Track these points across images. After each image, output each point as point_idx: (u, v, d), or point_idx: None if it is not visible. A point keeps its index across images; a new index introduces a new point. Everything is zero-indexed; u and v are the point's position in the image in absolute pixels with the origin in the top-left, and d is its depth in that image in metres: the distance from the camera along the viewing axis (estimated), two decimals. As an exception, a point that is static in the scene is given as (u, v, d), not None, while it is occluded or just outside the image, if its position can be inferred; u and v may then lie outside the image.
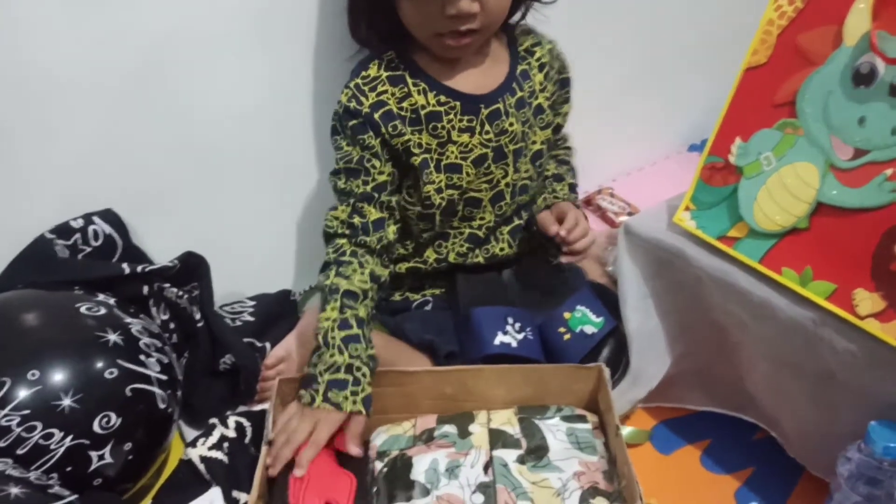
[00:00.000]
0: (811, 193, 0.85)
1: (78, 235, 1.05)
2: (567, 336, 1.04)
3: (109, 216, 1.08)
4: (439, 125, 1.02)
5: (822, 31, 0.85)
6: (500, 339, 1.02)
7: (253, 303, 1.22)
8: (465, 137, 1.04)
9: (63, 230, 1.04)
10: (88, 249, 1.05)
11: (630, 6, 1.45)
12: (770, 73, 0.89)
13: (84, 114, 1.02)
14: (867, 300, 0.80)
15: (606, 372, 0.95)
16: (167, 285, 1.05)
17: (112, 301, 0.97)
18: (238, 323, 1.16)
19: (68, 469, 0.84)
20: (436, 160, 1.04)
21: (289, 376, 0.98)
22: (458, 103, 1.02)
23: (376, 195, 1.02)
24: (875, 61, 0.81)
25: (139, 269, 1.02)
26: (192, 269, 1.09)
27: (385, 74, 1.02)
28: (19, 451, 0.82)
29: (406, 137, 1.02)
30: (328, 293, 0.97)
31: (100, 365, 0.88)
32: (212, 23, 1.05)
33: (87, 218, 1.06)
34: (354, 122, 1.01)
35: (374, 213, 1.02)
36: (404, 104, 1.02)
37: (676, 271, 0.98)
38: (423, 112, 1.02)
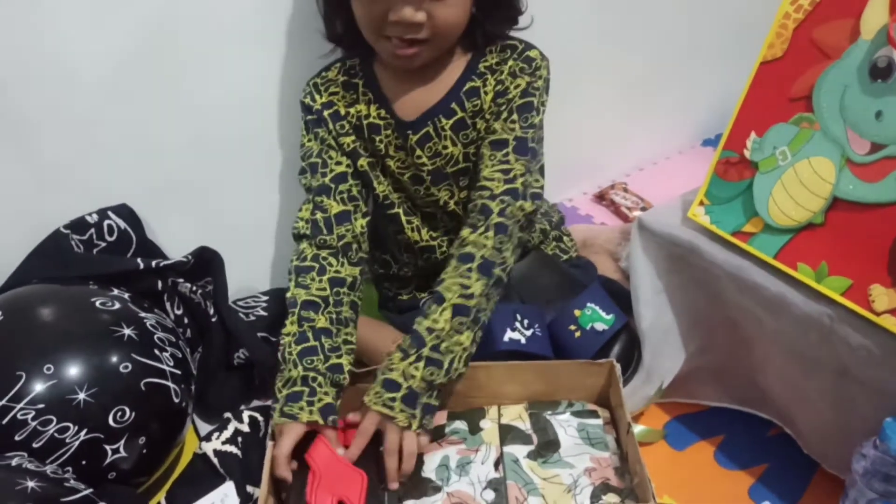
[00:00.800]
0: (827, 188, 0.85)
1: (93, 230, 1.05)
2: (578, 333, 1.04)
3: (124, 211, 1.09)
4: (377, 138, 1.04)
5: (838, 24, 0.84)
6: (508, 335, 1.02)
7: (266, 297, 1.22)
8: (400, 154, 1.05)
9: (78, 225, 1.05)
10: (103, 244, 1.06)
11: (642, 5, 1.44)
12: (786, 67, 0.88)
13: (101, 108, 1.03)
14: (883, 296, 0.80)
15: (618, 368, 0.94)
16: (181, 280, 1.06)
17: (126, 296, 0.98)
18: (252, 317, 1.17)
19: (83, 463, 0.85)
20: (381, 166, 1.06)
21: None
22: (393, 121, 1.03)
23: (334, 186, 1.03)
24: (893, 55, 0.80)
25: (154, 264, 1.03)
26: (205, 263, 1.10)
27: (341, 79, 1.05)
28: (35, 445, 0.83)
29: (352, 138, 1.04)
30: (288, 306, 0.97)
31: (114, 359, 0.89)
32: (226, 17, 1.05)
33: (102, 213, 1.07)
34: (310, 116, 1.05)
35: (335, 206, 1.02)
36: (351, 110, 1.04)
37: (690, 267, 0.98)
38: (364, 122, 1.04)
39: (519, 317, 1.04)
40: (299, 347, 0.93)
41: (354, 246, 1.02)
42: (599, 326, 1.04)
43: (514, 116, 0.99)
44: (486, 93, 1.01)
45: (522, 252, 1.16)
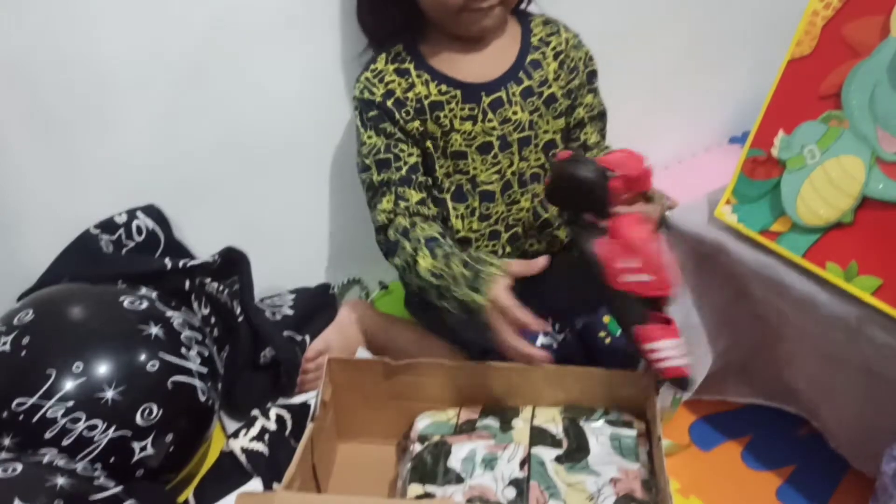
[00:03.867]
0: (857, 187, 0.83)
1: (122, 230, 1.07)
2: (608, 340, 1.03)
3: (152, 211, 1.10)
4: (441, 114, 1.05)
5: (868, 21, 0.83)
6: (541, 340, 1.01)
7: (293, 296, 1.23)
8: (467, 126, 1.05)
9: (107, 225, 1.07)
10: (132, 244, 1.08)
11: (669, 0, 1.43)
12: (814, 64, 0.87)
13: (131, 109, 1.05)
14: (915, 296, 0.79)
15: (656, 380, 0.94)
16: (208, 280, 1.07)
17: (154, 295, 0.99)
18: (278, 317, 1.18)
19: (111, 460, 0.86)
20: (441, 147, 1.06)
21: (337, 357, 0.98)
22: (458, 92, 1.04)
23: (413, 177, 1.04)
24: (924, 52, 0.79)
25: (181, 264, 1.04)
26: (232, 263, 1.11)
27: (391, 67, 1.06)
28: (64, 442, 0.84)
29: (417, 123, 1.05)
30: (412, 257, 0.98)
31: (142, 357, 0.90)
32: (256, 18, 1.06)
33: (131, 213, 1.08)
34: (372, 112, 1.04)
35: (414, 196, 1.04)
36: (409, 94, 1.04)
37: (718, 265, 0.97)
38: (426, 102, 1.04)
39: (551, 320, 1.04)
40: (443, 259, 0.95)
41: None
42: (630, 332, 1.04)
43: (596, 86, 1.14)
44: (547, 63, 1.09)
45: (551, 254, 1.16)
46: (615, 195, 0.87)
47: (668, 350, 0.84)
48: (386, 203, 1.03)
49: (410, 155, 1.05)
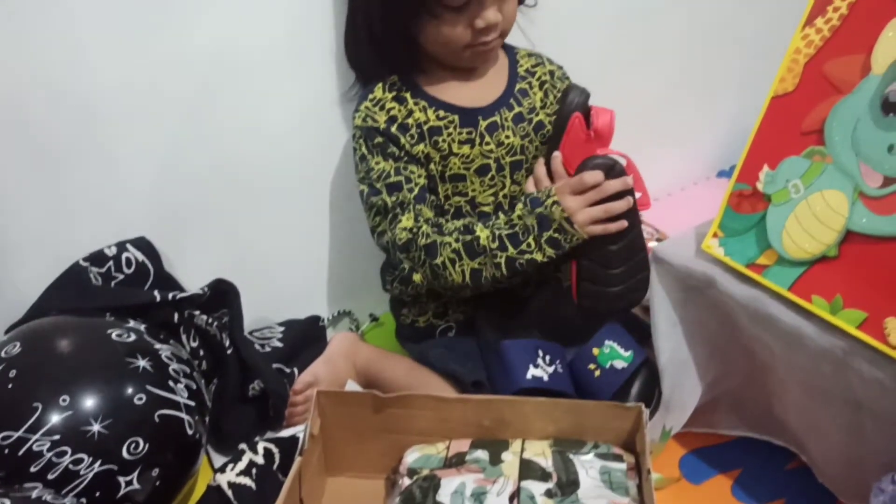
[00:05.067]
0: (840, 221, 0.84)
1: (111, 263, 1.07)
2: (597, 372, 1.03)
3: (142, 244, 1.10)
4: (440, 139, 1.07)
5: (849, 59, 0.84)
6: (531, 372, 1.01)
7: (282, 328, 1.23)
8: (465, 149, 1.08)
9: (97, 258, 1.07)
10: (121, 277, 1.08)
11: (657, 36, 1.45)
12: (797, 100, 0.89)
13: (121, 141, 1.05)
14: (899, 329, 0.79)
15: (646, 413, 0.94)
16: (197, 312, 1.07)
17: (143, 327, 0.99)
18: (267, 349, 1.17)
19: (97, 494, 0.85)
20: (440, 171, 1.08)
21: (326, 390, 0.98)
22: (456, 116, 1.07)
23: (427, 195, 1.07)
24: (904, 89, 0.80)
25: (170, 296, 1.04)
26: (221, 295, 1.11)
27: (390, 95, 1.08)
28: (50, 477, 0.83)
29: (422, 146, 1.07)
30: (465, 239, 1.01)
31: (129, 391, 0.89)
32: (247, 50, 1.07)
33: (121, 245, 1.08)
34: (378, 139, 1.06)
35: (431, 213, 1.06)
36: (409, 120, 1.07)
37: (706, 298, 0.97)
38: (425, 127, 1.07)
39: (541, 352, 1.04)
40: (492, 222, 1.02)
41: None
42: (619, 364, 1.04)
43: None
44: (534, 93, 1.14)
45: (540, 283, 1.17)
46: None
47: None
48: (406, 221, 1.04)
49: (420, 176, 1.07)
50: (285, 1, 1.07)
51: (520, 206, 1.01)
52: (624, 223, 0.99)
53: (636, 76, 1.46)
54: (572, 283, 1.05)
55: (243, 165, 1.14)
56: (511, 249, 0.99)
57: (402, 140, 1.06)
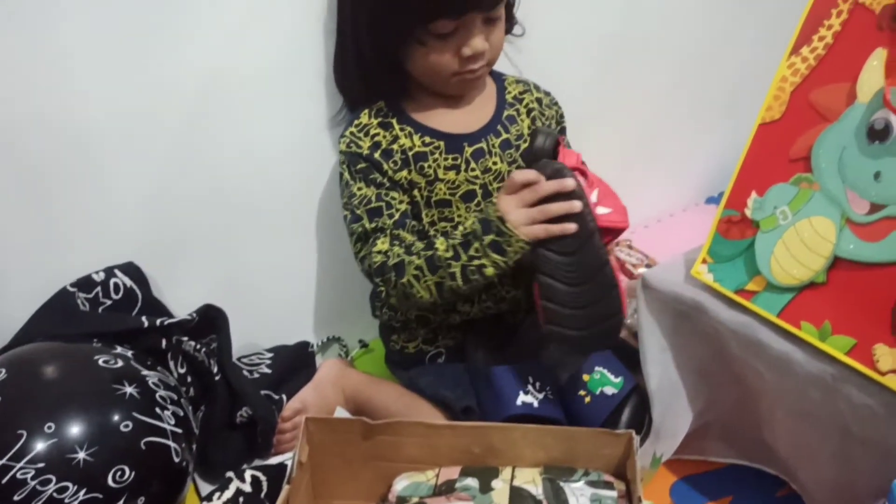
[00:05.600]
0: (828, 247, 0.85)
1: (99, 288, 1.06)
2: (587, 399, 1.03)
3: (131, 269, 1.09)
4: (426, 164, 1.07)
5: (835, 87, 0.85)
6: (521, 398, 1.01)
7: (270, 355, 1.22)
8: (451, 175, 1.08)
9: (85, 283, 1.06)
10: (109, 303, 1.07)
11: (648, 62, 1.46)
12: (784, 128, 0.90)
13: (112, 167, 1.05)
14: (888, 355, 0.79)
15: (636, 440, 0.93)
16: (185, 338, 1.06)
17: (130, 354, 0.98)
18: (255, 375, 1.16)
19: (82, 523, 0.84)
20: (426, 197, 1.08)
21: (314, 417, 0.97)
22: (442, 143, 1.08)
23: (407, 221, 1.07)
24: (889, 117, 0.81)
25: (158, 322, 1.03)
26: (210, 321, 1.10)
27: (375, 121, 1.09)
28: (34, 505, 0.82)
29: (405, 172, 1.07)
30: (426, 253, 1.00)
31: (115, 418, 0.88)
32: (238, 76, 1.08)
33: (109, 271, 1.08)
34: (361, 164, 1.07)
35: (409, 238, 1.06)
36: (394, 146, 1.07)
37: (695, 324, 0.97)
38: (410, 153, 1.07)
39: (531, 378, 1.04)
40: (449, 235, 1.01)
41: None
42: (609, 391, 1.04)
43: (566, 142, 1.17)
44: (521, 120, 1.14)
45: (528, 310, 1.17)
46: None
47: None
48: (381, 244, 1.04)
49: (401, 202, 1.07)
50: (276, 27, 1.08)
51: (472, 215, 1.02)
52: (567, 226, 0.93)
53: (625, 103, 1.48)
54: (536, 304, 1.00)
55: (233, 191, 1.14)
56: (463, 257, 0.98)
57: (385, 166, 1.06)
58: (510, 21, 1.15)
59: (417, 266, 1.00)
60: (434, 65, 1.03)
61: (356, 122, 1.09)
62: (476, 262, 0.98)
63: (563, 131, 1.21)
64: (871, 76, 0.83)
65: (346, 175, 1.08)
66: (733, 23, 1.54)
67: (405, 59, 1.05)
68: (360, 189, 1.07)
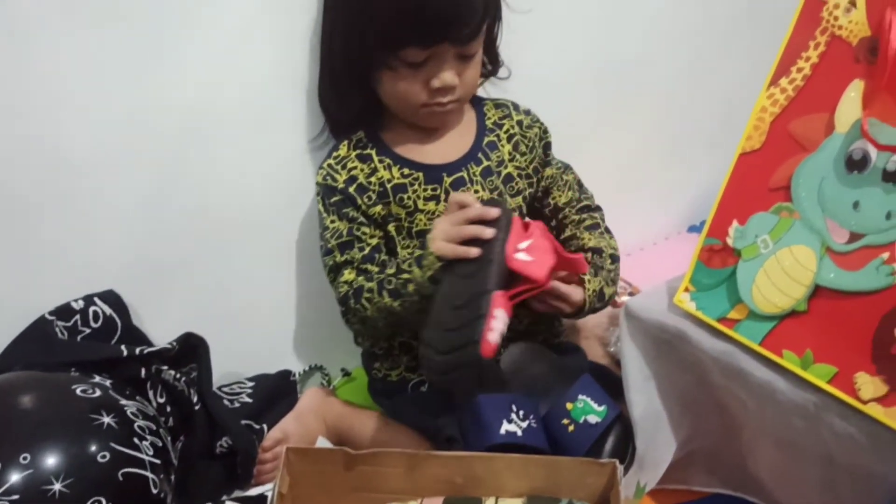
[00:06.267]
0: (809, 276, 0.85)
1: (78, 317, 1.05)
2: (571, 427, 1.02)
3: (111, 297, 1.08)
4: (405, 196, 1.08)
5: (814, 118, 0.86)
6: (505, 427, 1.00)
7: (252, 384, 1.21)
8: (431, 205, 1.08)
9: (63, 311, 1.05)
10: (87, 331, 1.06)
11: (629, 94, 1.48)
12: (764, 158, 0.90)
13: (93, 194, 1.05)
14: (869, 384, 0.80)
15: (620, 470, 0.93)
16: (165, 367, 1.05)
17: (108, 383, 0.97)
18: (236, 404, 1.15)
19: (56, 557, 0.82)
20: (406, 228, 1.08)
21: (295, 447, 0.96)
22: (420, 174, 1.08)
23: (376, 255, 1.06)
24: (867, 148, 0.82)
25: (137, 351, 1.02)
26: (190, 350, 1.09)
27: (353, 153, 1.09)
28: (7, 539, 0.81)
29: (380, 208, 1.07)
30: (377, 280, 1.01)
31: (93, 448, 0.87)
32: (221, 102, 1.08)
33: (89, 299, 1.07)
34: (335, 198, 1.07)
35: (375, 270, 1.05)
36: (372, 179, 1.07)
37: (678, 352, 0.97)
38: (388, 185, 1.07)
39: (515, 407, 1.03)
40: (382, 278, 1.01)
41: None
42: (592, 419, 1.03)
43: (551, 157, 1.19)
44: (502, 145, 1.14)
45: (510, 341, 1.17)
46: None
47: (499, 323, 0.90)
48: (348, 275, 1.05)
49: (373, 237, 1.07)
50: (262, 53, 1.08)
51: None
52: (471, 249, 0.93)
53: (608, 134, 1.49)
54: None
55: (214, 218, 1.14)
56: (405, 274, 0.99)
57: (359, 201, 1.07)
58: (494, 62, 1.16)
59: (370, 289, 1.02)
60: (403, 93, 1.04)
61: (335, 154, 1.09)
62: (404, 275, 0.99)
63: (548, 146, 1.20)
64: (849, 107, 0.84)
65: (321, 207, 1.09)
66: (715, 55, 1.56)
67: (376, 83, 1.06)
68: (332, 222, 1.07)
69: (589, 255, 1.12)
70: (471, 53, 1.04)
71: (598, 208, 1.22)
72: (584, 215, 1.19)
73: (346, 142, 1.10)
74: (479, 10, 1.02)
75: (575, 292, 1.04)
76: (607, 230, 1.19)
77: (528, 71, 1.24)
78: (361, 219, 1.07)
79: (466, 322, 0.90)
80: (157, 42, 1.01)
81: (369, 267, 1.06)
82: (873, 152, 0.82)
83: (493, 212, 0.95)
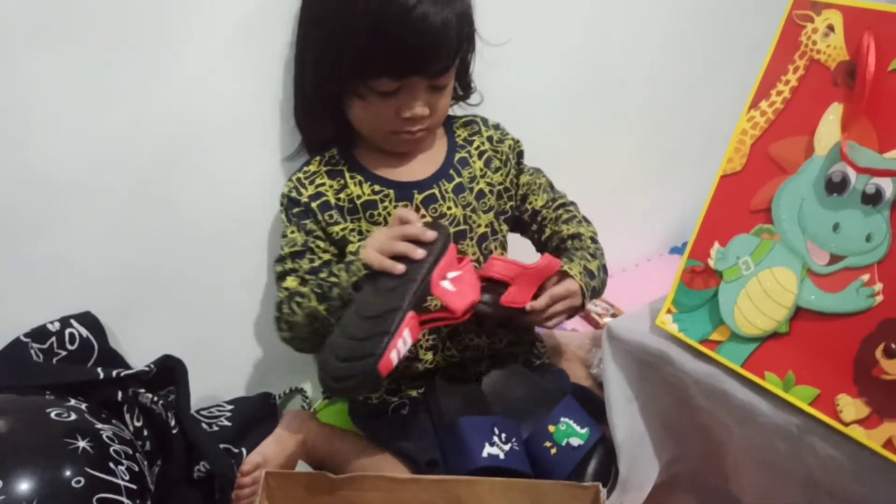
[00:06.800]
0: (790, 298, 0.86)
1: (54, 339, 1.04)
2: (553, 450, 1.02)
3: (87, 319, 1.07)
4: (375, 212, 1.08)
5: (794, 140, 0.87)
6: (487, 450, 1.00)
7: (231, 407, 1.20)
8: None
9: (39, 334, 1.03)
10: (63, 353, 1.04)
11: (613, 116, 1.49)
12: (745, 180, 0.91)
13: (70, 216, 1.04)
14: (851, 406, 0.79)
15: (603, 493, 0.92)
16: (142, 390, 1.03)
17: (84, 406, 0.95)
18: (215, 428, 1.14)
19: (28, 586, 0.80)
20: None
21: (274, 471, 0.95)
22: (392, 191, 1.09)
23: (325, 270, 1.05)
24: (846, 170, 0.82)
25: (114, 373, 1.00)
26: (168, 372, 1.07)
27: (324, 169, 1.10)
28: (-24, 567, 0.79)
29: (342, 226, 1.08)
30: (297, 294, 1.02)
31: (67, 473, 0.85)
32: (198, 126, 1.07)
33: (65, 321, 1.05)
34: (297, 209, 1.08)
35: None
36: (342, 195, 1.08)
37: (661, 374, 0.97)
38: (359, 202, 1.08)
39: (497, 430, 1.02)
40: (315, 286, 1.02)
41: None
42: (575, 442, 1.03)
43: (523, 165, 1.21)
44: (473, 161, 1.15)
45: (492, 364, 1.16)
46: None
47: (404, 344, 0.93)
48: (290, 282, 1.05)
49: (326, 252, 1.08)
50: (243, 74, 1.08)
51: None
52: (397, 265, 0.96)
53: (590, 156, 1.50)
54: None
55: (192, 240, 1.13)
56: (333, 277, 1.01)
57: (320, 217, 1.07)
58: (466, 89, 1.17)
59: (303, 293, 1.02)
60: (373, 121, 1.05)
61: (305, 168, 1.11)
62: (332, 278, 1.00)
63: (520, 155, 1.21)
64: (828, 130, 0.84)
65: (283, 216, 1.10)
66: (695, 79, 1.58)
67: (347, 108, 1.06)
68: (292, 232, 1.08)
69: (569, 241, 1.16)
70: (443, 85, 1.05)
71: (572, 203, 1.24)
72: (560, 211, 1.21)
73: (318, 157, 1.11)
74: (453, 46, 1.03)
75: (566, 283, 1.06)
76: (585, 219, 1.22)
77: (507, 94, 1.24)
78: (319, 233, 1.08)
79: (372, 334, 0.91)
80: (132, 63, 1.00)
81: (312, 279, 1.05)
82: (852, 175, 0.82)
83: (430, 235, 0.97)
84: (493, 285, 1.05)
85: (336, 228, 1.08)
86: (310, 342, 1.07)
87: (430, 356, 1.12)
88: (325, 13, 1.03)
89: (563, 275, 1.07)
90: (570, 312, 1.09)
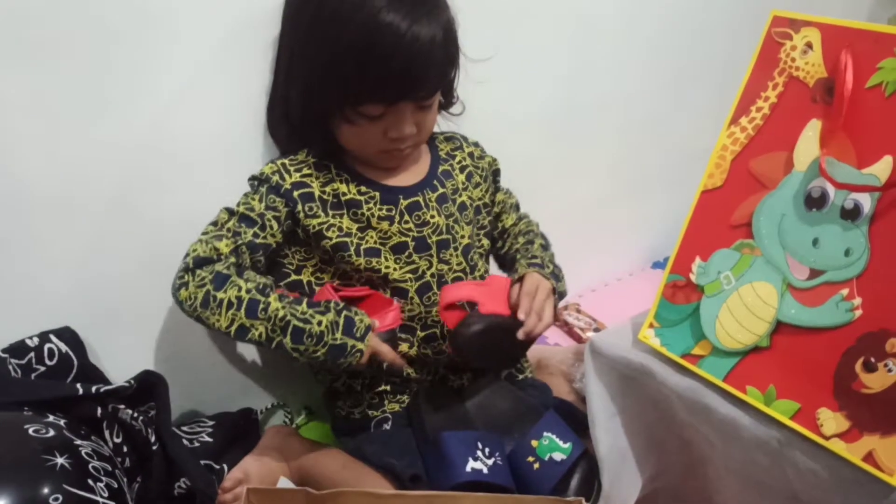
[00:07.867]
0: (771, 312, 0.86)
1: (32, 354, 1.02)
2: (536, 465, 1.02)
3: (67, 334, 1.06)
4: (359, 211, 1.08)
5: (773, 156, 0.88)
6: (471, 465, 0.99)
7: (212, 423, 1.18)
8: (384, 225, 1.08)
9: (17, 349, 1.02)
10: (42, 369, 1.03)
11: (593, 133, 1.50)
12: (726, 195, 0.92)
13: (48, 230, 1.02)
14: (831, 420, 0.80)
15: None
16: (122, 406, 1.02)
17: (62, 422, 0.94)
18: (196, 444, 1.13)
19: None
20: (356, 244, 1.07)
21: (256, 487, 0.94)
22: (377, 193, 1.08)
23: (261, 251, 1.03)
24: (825, 186, 0.83)
25: (94, 389, 0.99)
26: (149, 388, 1.06)
27: (312, 160, 1.08)
28: (-50, 588, 0.77)
29: (321, 220, 1.06)
30: (256, 292, 0.97)
31: (45, 490, 0.84)
32: (177, 140, 1.07)
33: (44, 336, 1.04)
34: (272, 192, 1.04)
35: (249, 264, 1.03)
36: (327, 188, 1.07)
37: (643, 388, 0.98)
38: (343, 198, 1.07)
39: (480, 444, 1.02)
40: (293, 302, 0.98)
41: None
42: (558, 456, 1.03)
43: (500, 184, 1.26)
44: (456, 175, 1.17)
45: (475, 377, 1.16)
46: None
47: (390, 317, 1.05)
48: (223, 246, 1.00)
49: (273, 236, 1.04)
50: (219, 92, 1.08)
51: (331, 314, 0.99)
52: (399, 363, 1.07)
53: (572, 172, 1.51)
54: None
55: (172, 254, 1.12)
56: (277, 335, 0.97)
57: (300, 207, 1.05)
58: (450, 100, 1.17)
59: (238, 297, 0.96)
60: (361, 141, 1.05)
61: (292, 156, 1.08)
62: (314, 347, 0.98)
63: (497, 173, 1.25)
64: (807, 146, 0.85)
65: (253, 187, 1.07)
66: (676, 97, 1.59)
67: (334, 129, 1.06)
68: (253, 199, 1.04)
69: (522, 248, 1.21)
70: (429, 104, 1.05)
71: (536, 223, 1.29)
72: (522, 225, 1.26)
73: (305, 150, 1.09)
74: (442, 73, 1.04)
75: (527, 280, 1.08)
76: (529, 219, 1.28)
77: (488, 113, 1.25)
78: (282, 217, 1.04)
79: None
80: (106, 80, 0.99)
81: (246, 258, 1.02)
82: (831, 190, 0.83)
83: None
84: (460, 311, 1.06)
85: (314, 221, 1.05)
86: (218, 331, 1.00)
87: (412, 369, 1.12)
88: (311, 45, 1.01)
89: (520, 278, 1.09)
90: (553, 301, 1.10)
